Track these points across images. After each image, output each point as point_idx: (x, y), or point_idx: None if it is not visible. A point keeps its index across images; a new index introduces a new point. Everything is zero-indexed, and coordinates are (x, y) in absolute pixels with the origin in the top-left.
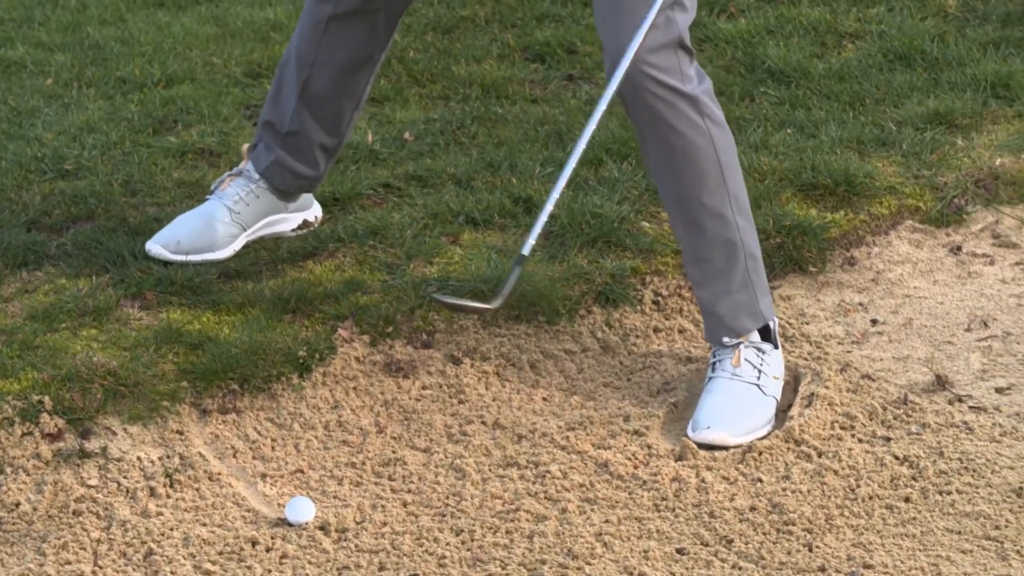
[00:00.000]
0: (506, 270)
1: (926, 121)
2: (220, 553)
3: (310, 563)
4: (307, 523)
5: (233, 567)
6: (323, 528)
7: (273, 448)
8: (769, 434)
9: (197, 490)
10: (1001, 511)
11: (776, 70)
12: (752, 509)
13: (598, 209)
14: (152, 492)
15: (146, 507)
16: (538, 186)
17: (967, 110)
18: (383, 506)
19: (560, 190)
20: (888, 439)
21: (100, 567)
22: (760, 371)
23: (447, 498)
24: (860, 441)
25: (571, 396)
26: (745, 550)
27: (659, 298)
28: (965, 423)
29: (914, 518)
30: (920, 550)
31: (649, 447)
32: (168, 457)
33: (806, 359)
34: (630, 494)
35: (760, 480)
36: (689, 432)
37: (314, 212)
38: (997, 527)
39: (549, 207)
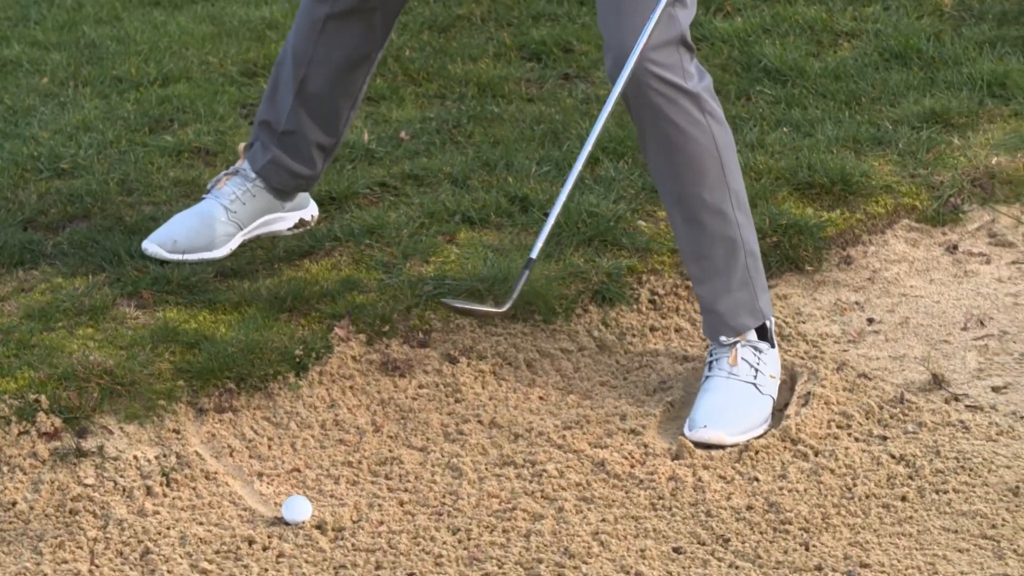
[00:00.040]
0: (502, 269)
1: (922, 120)
2: (217, 552)
3: (307, 562)
4: (304, 522)
5: (230, 566)
6: (320, 527)
7: (270, 447)
8: (766, 433)
9: (194, 489)
10: (997, 510)
11: (772, 69)
12: (749, 508)
13: (594, 208)
14: (149, 491)
15: (143, 506)
16: (534, 185)
17: (963, 109)
18: (380, 505)
19: (568, 190)
20: (884, 438)
21: (97, 566)
22: (757, 370)
23: (444, 497)
24: (856, 440)
25: (568, 395)
26: (742, 549)
27: (655, 297)
28: (961, 422)
29: (911, 517)
30: (917, 549)
31: (646, 446)
32: (165, 456)
33: (802, 358)
34: (627, 493)
35: (757, 479)
36: (686, 431)
37: (310, 211)
38: (993, 526)
39: (557, 209)
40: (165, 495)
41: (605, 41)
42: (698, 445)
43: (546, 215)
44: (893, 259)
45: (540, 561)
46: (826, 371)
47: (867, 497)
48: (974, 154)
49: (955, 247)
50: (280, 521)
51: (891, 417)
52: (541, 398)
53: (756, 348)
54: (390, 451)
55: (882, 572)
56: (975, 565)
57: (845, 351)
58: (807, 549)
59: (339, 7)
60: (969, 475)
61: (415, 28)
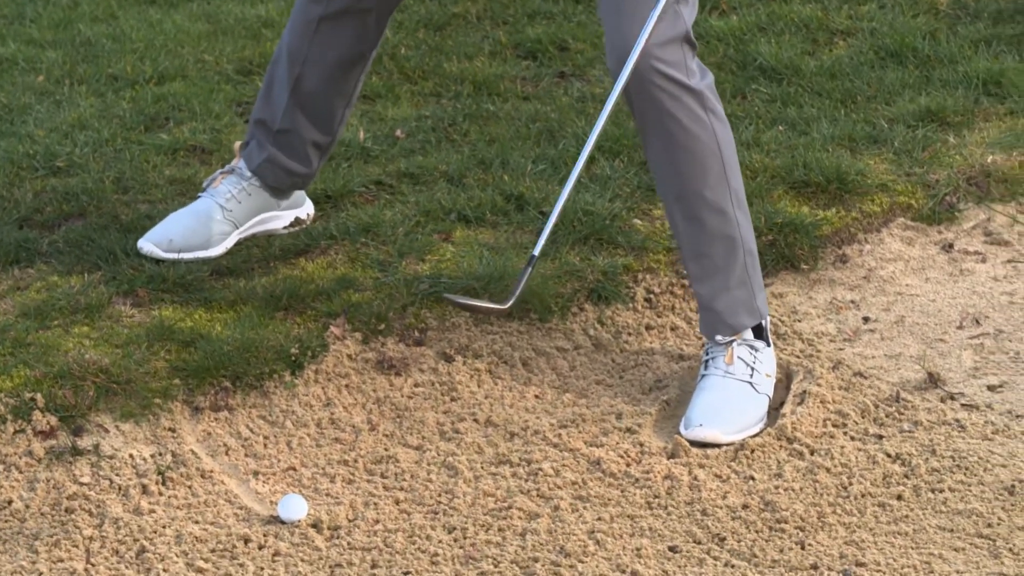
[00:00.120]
0: (498, 267)
1: (918, 119)
2: (212, 551)
3: (302, 561)
4: (299, 521)
5: (225, 565)
6: (315, 526)
7: (265, 446)
8: (761, 432)
9: (189, 488)
10: (993, 509)
11: (768, 67)
12: (744, 507)
13: (590, 206)
14: (144, 490)
15: (138, 504)
16: (530, 183)
17: (959, 108)
18: (375, 504)
19: (571, 187)
20: (880, 437)
21: (92, 565)
22: (753, 369)
23: (440, 496)
24: (852, 439)
25: (563, 394)
26: (737, 548)
27: (651, 295)
28: (957, 421)
29: (906, 516)
30: (912, 548)
31: (641, 445)
32: (160, 455)
33: (798, 357)
34: (623, 492)
35: (752, 478)
36: (682, 430)
37: (306, 209)
38: (989, 525)
39: (560, 205)
40: (161, 494)
41: (607, 38)
42: (694, 444)
43: (543, 213)
44: (889, 258)
45: (536, 560)
46: (822, 370)
47: (863, 496)
48: (970, 153)
49: (951, 246)
50: (276, 520)
51: (887, 416)
52: (537, 397)
53: (752, 347)
54: (386, 450)
55: (878, 571)
56: (971, 564)
57: (841, 350)
58: (803, 548)
59: (333, 7)
60: (965, 474)
61: (411, 26)
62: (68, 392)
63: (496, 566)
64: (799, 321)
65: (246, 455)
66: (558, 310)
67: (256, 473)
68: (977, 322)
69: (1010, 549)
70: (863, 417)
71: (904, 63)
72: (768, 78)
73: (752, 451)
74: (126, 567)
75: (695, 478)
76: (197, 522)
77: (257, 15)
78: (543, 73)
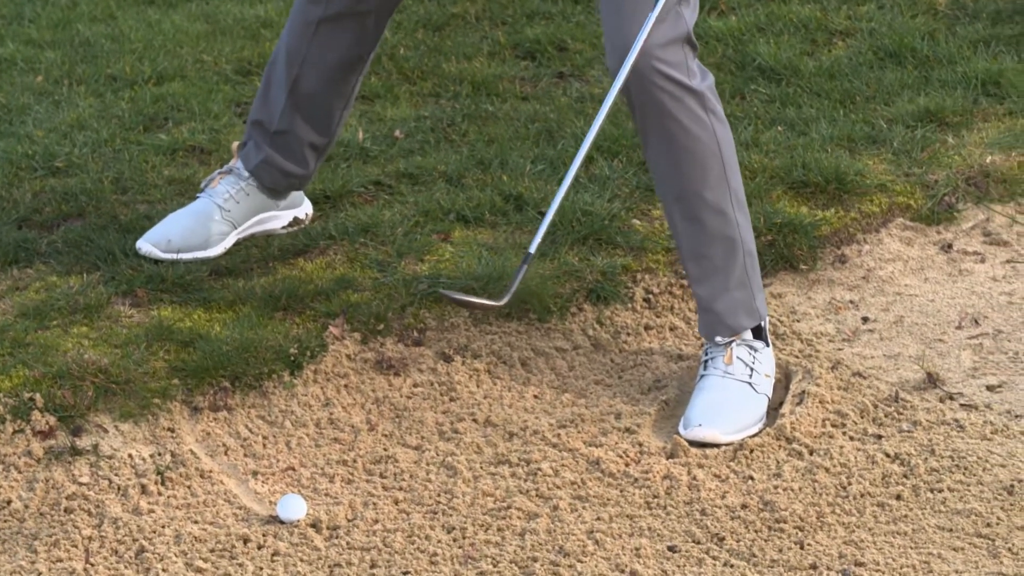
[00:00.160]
0: (497, 267)
1: (917, 119)
2: (212, 551)
3: (302, 560)
4: (299, 520)
5: (225, 564)
6: (315, 526)
7: (264, 446)
8: (760, 432)
9: (188, 488)
10: (992, 509)
11: (766, 68)
12: (743, 507)
13: (589, 207)
14: (143, 490)
15: (137, 504)
16: (529, 184)
17: (958, 108)
18: (375, 504)
19: (568, 185)
20: (879, 437)
21: (92, 565)
22: (752, 369)
23: (439, 496)
24: (851, 439)
25: (562, 394)
26: (736, 548)
27: (650, 296)
28: (956, 421)
29: (905, 516)
30: (911, 548)
31: (640, 445)
32: (159, 455)
33: (797, 357)
34: (621, 492)
35: (751, 478)
36: (680, 430)
37: (305, 209)
38: (988, 525)
39: (557, 203)
40: (160, 494)
41: (606, 38)
42: (693, 444)
43: (541, 214)
44: (888, 258)
45: (535, 560)
46: (821, 370)
47: (862, 496)
48: (968, 153)
49: (950, 246)
50: (275, 520)
51: (886, 416)
52: (536, 397)
53: (751, 347)
54: (385, 450)
55: (877, 571)
56: (970, 564)
57: (840, 350)
58: (802, 548)
59: (332, 9)
60: (964, 474)
61: (409, 26)
62: (67, 392)
63: (495, 566)
64: (798, 321)
65: (245, 455)
66: (557, 310)
67: (255, 473)
68: (976, 322)
69: (1009, 549)
70: (862, 417)
71: (903, 63)
72: (767, 78)
73: (751, 451)
74: (125, 567)
75: (694, 478)
76: (196, 522)
77: (256, 15)
78: (542, 73)
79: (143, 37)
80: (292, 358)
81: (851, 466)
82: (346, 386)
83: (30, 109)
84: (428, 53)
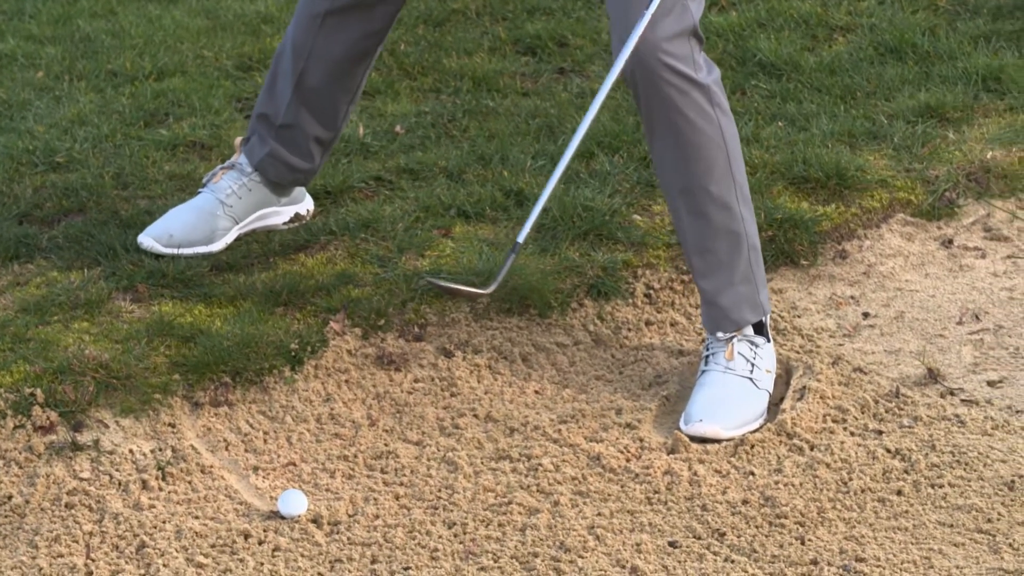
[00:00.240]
0: (498, 263)
1: (917, 114)
2: (212, 546)
3: (302, 556)
4: (299, 516)
5: (225, 560)
6: (315, 521)
7: (265, 441)
8: (761, 427)
9: (189, 483)
10: (993, 504)
11: (767, 63)
12: (744, 502)
13: (589, 202)
14: (144, 485)
15: (138, 500)
16: (529, 179)
17: (958, 103)
18: (375, 499)
19: (560, 173)
20: (880, 432)
21: (92, 560)
22: (753, 364)
23: (439, 491)
24: (852, 434)
25: (563, 389)
26: (737, 543)
27: (651, 291)
28: (957, 416)
29: (906, 511)
30: (912, 543)
31: (641, 440)
32: (160, 450)
33: (798, 352)
34: (622, 487)
35: (752, 473)
36: (681, 425)
37: (306, 205)
38: (989, 520)
39: (549, 190)
40: (161, 489)
41: (613, 28)
42: (694, 439)
43: (543, 210)
44: (888, 253)
45: (536, 555)
46: (821, 365)
47: (863, 491)
48: (969, 148)
49: (950, 241)
50: (276, 515)
51: (886, 411)
52: (537, 392)
53: (752, 342)
54: (386, 445)
55: (878, 566)
56: (971, 559)
57: (840, 345)
58: (803, 543)
59: (339, 3)
60: (964, 469)
61: (410, 22)
62: (68, 387)
63: (496, 561)
64: (799, 317)
65: (246, 450)
66: (558, 306)
67: (256, 468)
68: (977, 318)
69: (1010, 544)
70: (863, 413)
71: (903, 59)
72: (767, 74)
73: (752, 446)
74: (126, 562)
75: (695, 473)
76: (197, 517)
77: (256, 11)
78: (542, 69)
79: (143, 33)
80: (293, 353)
81: (852, 462)
82: (347, 381)
83: (31, 105)
84: (429, 49)
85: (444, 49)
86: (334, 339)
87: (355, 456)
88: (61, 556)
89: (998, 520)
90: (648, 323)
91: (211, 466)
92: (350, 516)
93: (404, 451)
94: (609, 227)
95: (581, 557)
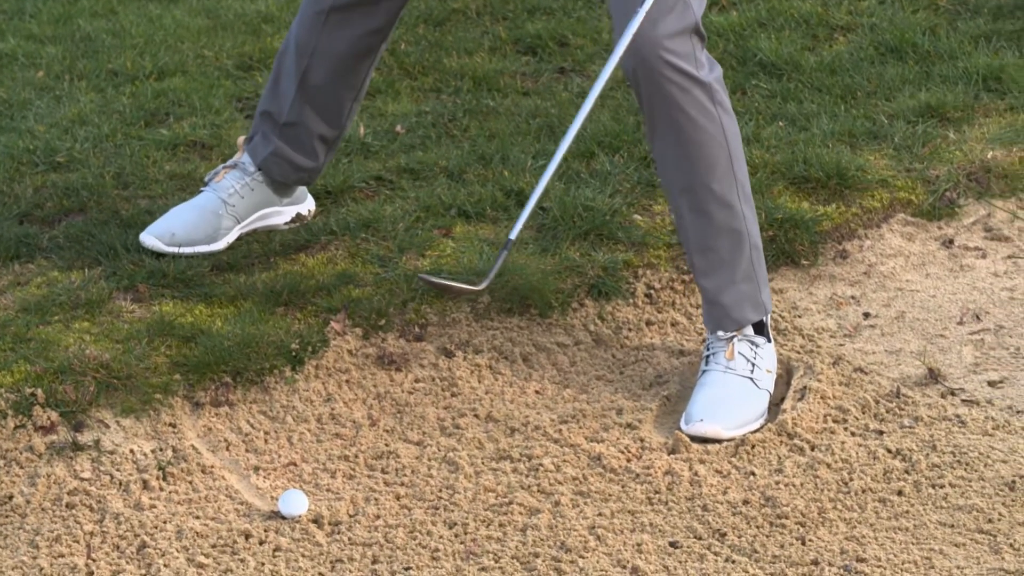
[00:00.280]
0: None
1: (918, 114)
2: (213, 546)
3: (303, 556)
4: (300, 516)
5: (226, 560)
6: (316, 521)
7: (266, 441)
8: (762, 427)
9: (190, 483)
10: (994, 504)
11: (767, 63)
12: (745, 502)
13: (590, 202)
14: (145, 485)
15: (139, 500)
16: (530, 179)
17: (959, 103)
18: (376, 499)
19: (555, 166)
20: (881, 432)
21: (93, 560)
22: (754, 364)
23: (440, 491)
24: (853, 434)
25: (564, 389)
26: (738, 543)
27: (651, 291)
28: (958, 416)
29: (907, 511)
30: (913, 543)
31: (642, 440)
32: (161, 450)
33: (799, 352)
34: (623, 487)
35: (753, 473)
36: (682, 425)
37: (307, 205)
38: (990, 520)
39: (542, 185)
40: (161, 489)
41: (615, 23)
42: (694, 439)
43: (543, 209)
44: (889, 253)
45: (536, 555)
46: (822, 365)
47: (863, 491)
48: (970, 148)
49: (951, 241)
50: (276, 515)
51: (887, 411)
52: (537, 392)
53: (753, 342)
54: (386, 445)
55: (878, 566)
56: (971, 560)
57: (841, 345)
58: (803, 543)
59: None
60: (965, 469)
61: (410, 22)
62: (68, 387)
63: (497, 561)
64: (799, 317)
65: (247, 450)
66: (558, 306)
67: (257, 468)
68: (977, 318)
69: (1011, 545)
70: (863, 413)
71: (904, 59)
72: (768, 74)
73: (753, 447)
74: (127, 562)
75: (696, 473)
76: (198, 517)
77: (257, 10)
78: (543, 69)
79: (144, 32)
80: (293, 353)
81: (852, 462)
82: (347, 381)
83: (31, 104)
84: (429, 48)
85: (444, 49)
86: (335, 339)
87: (356, 456)
88: (62, 556)
89: (999, 520)
90: (649, 323)
91: (212, 466)
92: (351, 516)
93: (405, 451)
94: (610, 227)
95: (582, 557)
